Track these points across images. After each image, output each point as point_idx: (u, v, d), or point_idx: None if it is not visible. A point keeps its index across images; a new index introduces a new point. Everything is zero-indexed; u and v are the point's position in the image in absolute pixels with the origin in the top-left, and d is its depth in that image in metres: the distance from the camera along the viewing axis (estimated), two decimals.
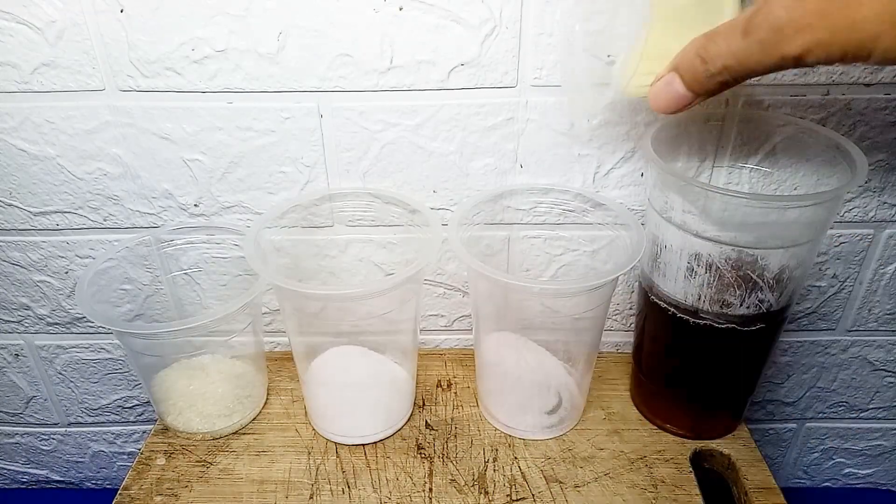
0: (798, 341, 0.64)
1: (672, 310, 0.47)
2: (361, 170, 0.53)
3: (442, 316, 0.62)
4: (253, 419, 0.55)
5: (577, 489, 0.48)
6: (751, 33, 0.27)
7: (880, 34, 0.24)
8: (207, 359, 0.54)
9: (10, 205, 0.55)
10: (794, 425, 0.70)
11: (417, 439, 0.53)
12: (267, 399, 0.57)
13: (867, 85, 0.49)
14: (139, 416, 0.70)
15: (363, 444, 0.52)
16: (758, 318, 0.45)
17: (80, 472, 0.75)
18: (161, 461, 0.51)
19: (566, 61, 0.36)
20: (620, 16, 0.35)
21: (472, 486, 0.49)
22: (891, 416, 0.69)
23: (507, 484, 0.49)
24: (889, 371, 0.66)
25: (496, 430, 0.53)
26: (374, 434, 0.52)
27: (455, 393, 0.57)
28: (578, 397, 0.53)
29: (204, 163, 0.53)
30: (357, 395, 0.52)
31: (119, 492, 0.49)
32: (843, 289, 0.60)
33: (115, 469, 0.75)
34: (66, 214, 0.56)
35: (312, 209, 0.54)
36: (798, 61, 0.27)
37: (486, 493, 0.48)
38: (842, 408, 0.69)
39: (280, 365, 0.61)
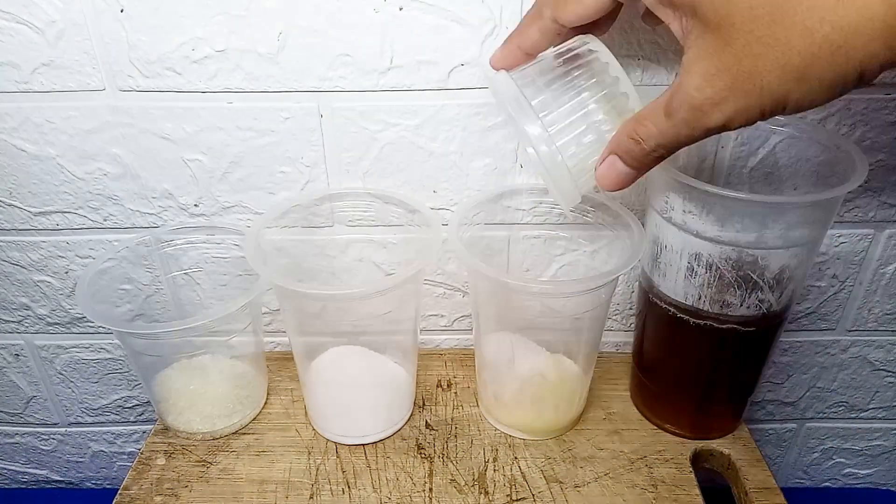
0: (798, 341, 0.64)
1: (672, 310, 0.47)
2: (361, 170, 0.53)
3: (442, 316, 0.62)
4: (253, 419, 0.55)
5: (577, 489, 0.48)
6: (673, 115, 0.29)
7: (789, 91, 0.26)
8: (207, 359, 0.54)
9: (10, 205, 0.55)
10: (794, 425, 0.70)
11: (417, 439, 0.53)
12: (267, 399, 0.57)
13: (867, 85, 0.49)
14: (139, 416, 0.70)
15: (363, 444, 0.52)
16: (758, 319, 0.45)
17: (80, 472, 0.75)
18: (161, 461, 0.51)
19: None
20: None
21: (472, 486, 0.49)
22: (891, 416, 0.69)
23: (507, 484, 0.49)
24: (889, 371, 0.66)
25: (496, 430, 0.53)
26: (374, 434, 0.52)
27: (455, 393, 0.57)
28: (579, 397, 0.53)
29: (204, 163, 0.53)
30: (357, 395, 0.52)
31: (119, 492, 0.49)
32: (843, 289, 0.60)
33: (115, 469, 0.75)
34: (66, 214, 0.56)
35: (312, 209, 0.54)
36: (724, 128, 0.28)
37: (486, 493, 0.48)
38: (842, 408, 0.69)
39: (280, 365, 0.61)
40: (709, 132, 0.29)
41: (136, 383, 0.67)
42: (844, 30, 0.24)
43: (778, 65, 0.25)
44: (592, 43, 0.37)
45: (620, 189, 0.35)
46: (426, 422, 0.54)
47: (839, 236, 0.56)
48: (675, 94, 0.29)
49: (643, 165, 0.33)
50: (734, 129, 0.28)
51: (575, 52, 0.37)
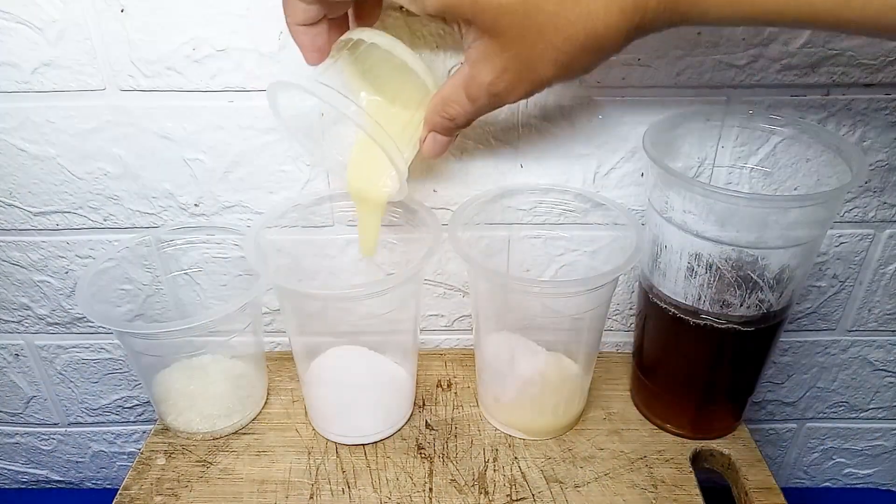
0: (798, 341, 0.64)
1: (672, 310, 0.47)
2: None
3: (442, 316, 0.62)
4: (253, 419, 0.55)
5: (577, 489, 0.48)
6: (476, 100, 0.37)
7: (559, 76, 0.36)
8: (207, 359, 0.54)
9: (10, 205, 0.55)
10: (794, 425, 0.70)
11: (417, 439, 0.53)
12: (267, 399, 0.57)
13: (867, 85, 0.49)
14: (139, 416, 0.70)
15: (363, 444, 0.52)
16: (758, 319, 0.45)
17: (80, 472, 0.75)
18: (161, 461, 0.51)
19: None
20: None
21: (472, 486, 0.49)
22: (891, 416, 0.69)
23: (507, 484, 0.49)
24: (889, 371, 0.66)
25: (496, 430, 0.53)
26: (374, 434, 0.52)
27: (455, 393, 0.57)
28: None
29: (204, 162, 0.53)
30: (357, 395, 0.52)
31: (119, 492, 0.49)
32: (843, 289, 0.60)
33: (115, 469, 0.75)
34: (66, 214, 0.56)
35: (313, 209, 0.54)
36: (514, 102, 0.38)
37: (486, 493, 0.48)
38: (842, 408, 0.69)
39: (280, 365, 0.61)
40: (503, 105, 0.38)
41: (136, 383, 0.67)
42: (597, 35, 0.33)
43: (550, 61, 0.34)
44: (364, 33, 0.41)
45: (441, 155, 0.43)
46: (426, 422, 0.54)
47: (839, 236, 0.56)
48: (471, 84, 0.37)
49: (454, 134, 0.42)
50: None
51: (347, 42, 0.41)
